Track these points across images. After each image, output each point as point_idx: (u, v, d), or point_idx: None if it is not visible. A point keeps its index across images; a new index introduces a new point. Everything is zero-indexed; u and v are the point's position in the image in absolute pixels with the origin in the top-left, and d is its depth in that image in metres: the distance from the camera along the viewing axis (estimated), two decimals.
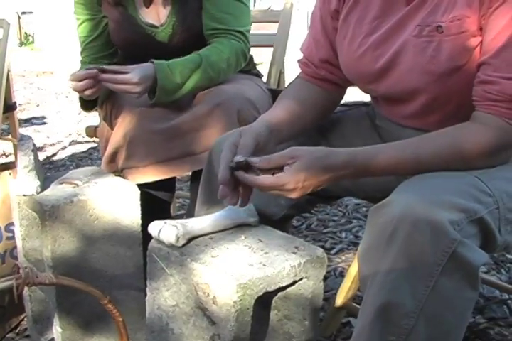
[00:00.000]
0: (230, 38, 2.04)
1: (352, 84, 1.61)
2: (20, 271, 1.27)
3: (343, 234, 2.78)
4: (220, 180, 1.29)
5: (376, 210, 1.24)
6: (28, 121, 5.32)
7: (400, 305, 1.17)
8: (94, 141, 4.27)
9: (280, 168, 1.26)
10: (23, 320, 2.03)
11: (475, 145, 1.27)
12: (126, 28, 2.10)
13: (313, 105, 1.59)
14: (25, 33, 12.09)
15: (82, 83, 1.85)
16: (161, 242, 1.33)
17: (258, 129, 1.41)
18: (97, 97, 2.02)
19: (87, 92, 1.88)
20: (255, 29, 2.35)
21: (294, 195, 1.28)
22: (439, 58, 1.33)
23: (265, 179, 1.26)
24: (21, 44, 11.74)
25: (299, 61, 1.67)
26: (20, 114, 5.36)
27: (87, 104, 2.07)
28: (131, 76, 1.84)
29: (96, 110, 2.17)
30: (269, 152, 1.32)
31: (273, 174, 1.26)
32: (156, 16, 2.10)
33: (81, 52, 2.21)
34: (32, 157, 1.67)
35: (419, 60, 1.36)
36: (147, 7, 2.10)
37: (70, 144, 4.53)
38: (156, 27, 2.10)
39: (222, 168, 1.29)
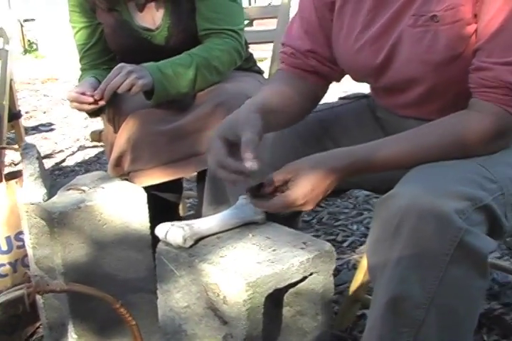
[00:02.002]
0: (223, 37, 2.04)
1: (341, 77, 1.61)
2: (31, 279, 1.28)
3: (355, 227, 2.77)
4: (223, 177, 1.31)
5: (381, 203, 1.23)
6: (35, 129, 5.33)
7: (409, 297, 1.16)
8: (102, 146, 4.26)
9: (285, 184, 1.28)
10: (38, 327, 2.04)
11: (473, 132, 1.27)
12: (121, 34, 2.11)
13: (293, 95, 1.56)
14: (29, 41, 12.10)
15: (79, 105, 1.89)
16: (168, 244, 1.33)
17: (254, 121, 1.36)
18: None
19: (88, 109, 1.91)
20: (257, 25, 2.36)
21: (308, 207, 1.30)
22: (436, 47, 1.32)
23: (275, 202, 1.28)
24: (25, 52, 11.75)
25: (282, 52, 1.63)
26: (27, 122, 5.37)
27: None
28: (123, 69, 1.85)
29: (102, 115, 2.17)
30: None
31: (280, 191, 1.29)
32: (151, 20, 2.10)
33: (80, 60, 2.22)
34: (37, 165, 1.67)
35: (416, 50, 1.36)
36: (141, 11, 2.10)
37: (79, 149, 4.53)
38: (151, 30, 2.10)
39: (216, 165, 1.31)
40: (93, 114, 2.06)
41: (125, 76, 1.84)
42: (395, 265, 1.17)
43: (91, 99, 1.87)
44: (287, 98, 1.54)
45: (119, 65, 1.89)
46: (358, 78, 1.55)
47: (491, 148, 1.31)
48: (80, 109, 1.93)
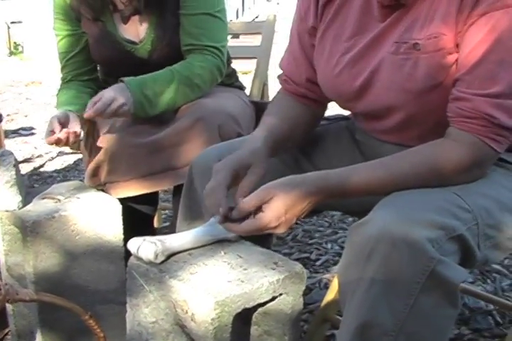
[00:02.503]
0: (204, 53, 2.04)
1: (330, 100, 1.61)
2: (1, 287, 1.27)
3: (329, 245, 2.77)
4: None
5: (355, 229, 1.23)
6: (15, 132, 5.31)
7: (378, 324, 1.16)
8: (81, 153, 4.26)
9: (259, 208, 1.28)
10: (7, 334, 2.02)
11: (448, 162, 1.27)
12: (105, 45, 2.10)
13: (296, 122, 1.59)
14: (15, 43, 12.07)
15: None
16: (140, 259, 1.33)
17: (261, 157, 1.43)
18: None
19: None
20: (241, 41, 2.36)
21: (280, 230, 1.30)
22: (416, 76, 1.32)
23: (248, 225, 1.28)
24: (10, 54, 11.71)
25: (279, 77, 1.67)
26: (8, 124, 5.35)
27: None
28: (107, 95, 1.85)
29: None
30: None
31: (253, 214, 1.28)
32: (135, 32, 2.10)
33: (62, 69, 2.21)
34: (13, 172, 1.67)
35: (396, 78, 1.36)
36: (125, 23, 2.10)
37: (58, 155, 4.52)
38: (135, 43, 2.10)
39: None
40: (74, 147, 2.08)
41: (107, 104, 1.84)
42: (365, 290, 1.17)
43: (63, 140, 1.86)
44: (292, 124, 1.57)
45: (106, 90, 1.88)
46: (340, 104, 1.55)
47: (467, 178, 1.31)
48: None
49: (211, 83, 2.07)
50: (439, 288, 1.16)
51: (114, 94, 1.85)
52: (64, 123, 1.89)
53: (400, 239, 1.14)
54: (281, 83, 1.67)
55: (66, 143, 1.87)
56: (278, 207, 1.26)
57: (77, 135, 1.87)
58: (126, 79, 1.91)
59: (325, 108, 1.68)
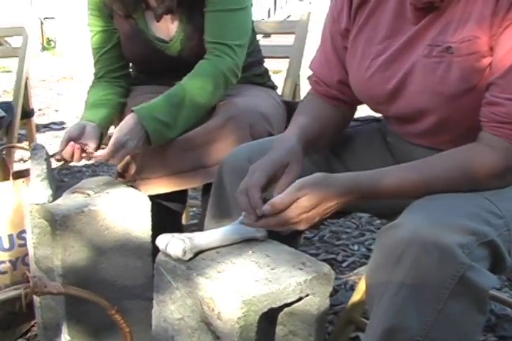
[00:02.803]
0: (214, 53, 2.00)
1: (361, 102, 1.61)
2: (30, 280, 1.28)
3: (356, 247, 2.76)
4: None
5: (385, 232, 1.23)
6: (46, 126, 5.35)
7: (405, 329, 1.16)
8: None
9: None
10: (33, 326, 2.04)
11: (481, 167, 1.26)
12: (136, 43, 2.11)
13: (327, 123, 1.59)
14: (48, 38, 12.16)
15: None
16: (168, 255, 1.33)
17: (300, 157, 1.44)
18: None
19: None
20: (271, 40, 2.34)
21: (300, 227, 1.30)
22: (449, 79, 1.32)
23: (269, 218, 1.30)
24: (43, 49, 11.80)
25: (309, 78, 1.67)
26: (39, 119, 5.39)
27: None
28: (103, 153, 1.85)
29: None
30: None
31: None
32: (166, 31, 2.10)
33: (94, 64, 2.22)
34: (45, 166, 1.68)
35: (429, 81, 1.35)
36: (157, 21, 2.10)
37: None
38: (165, 42, 2.10)
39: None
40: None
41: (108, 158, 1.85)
42: (393, 294, 1.16)
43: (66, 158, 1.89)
44: (323, 124, 1.57)
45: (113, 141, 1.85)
46: (371, 106, 1.55)
47: (499, 183, 1.30)
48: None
49: (225, 89, 2.03)
50: (468, 293, 1.15)
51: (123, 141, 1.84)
52: (76, 138, 1.89)
53: (430, 243, 1.13)
54: (311, 84, 1.66)
55: (72, 158, 1.88)
56: (302, 203, 1.26)
57: (83, 150, 1.87)
58: (136, 108, 1.89)
59: (355, 110, 1.67)
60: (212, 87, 1.97)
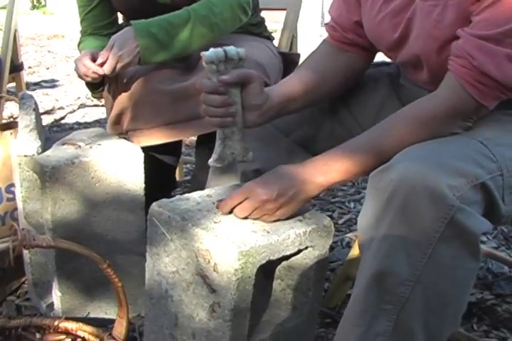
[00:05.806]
0: None
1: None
2: (18, 232, 1.24)
3: (352, 204, 2.74)
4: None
5: (375, 175, 1.22)
6: (37, 84, 5.27)
7: (395, 273, 1.15)
8: (103, 106, 4.22)
9: None
10: (23, 283, 2.01)
11: (425, 111, 1.27)
12: None
13: (335, 75, 1.56)
14: None
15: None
16: (162, 206, 1.28)
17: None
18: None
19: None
20: None
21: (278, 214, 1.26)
22: (443, 23, 1.28)
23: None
24: (33, 7, 11.63)
25: (326, 25, 1.62)
26: (29, 77, 5.31)
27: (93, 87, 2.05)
28: (105, 52, 1.82)
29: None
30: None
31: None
32: None
33: (80, 22, 2.15)
34: (33, 116, 1.62)
35: (425, 25, 1.32)
36: None
37: (79, 108, 4.47)
38: None
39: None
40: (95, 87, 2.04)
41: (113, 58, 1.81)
42: (382, 238, 1.15)
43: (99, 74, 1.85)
44: (328, 76, 1.55)
45: (112, 41, 1.83)
46: (383, 52, 1.52)
47: (450, 127, 1.28)
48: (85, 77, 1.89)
49: (233, 22, 1.95)
50: (458, 237, 1.13)
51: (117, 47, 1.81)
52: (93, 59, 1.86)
53: (419, 184, 1.11)
54: (327, 31, 1.61)
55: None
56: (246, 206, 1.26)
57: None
58: (134, 22, 1.84)
59: (370, 60, 1.63)
60: (220, 17, 1.90)
